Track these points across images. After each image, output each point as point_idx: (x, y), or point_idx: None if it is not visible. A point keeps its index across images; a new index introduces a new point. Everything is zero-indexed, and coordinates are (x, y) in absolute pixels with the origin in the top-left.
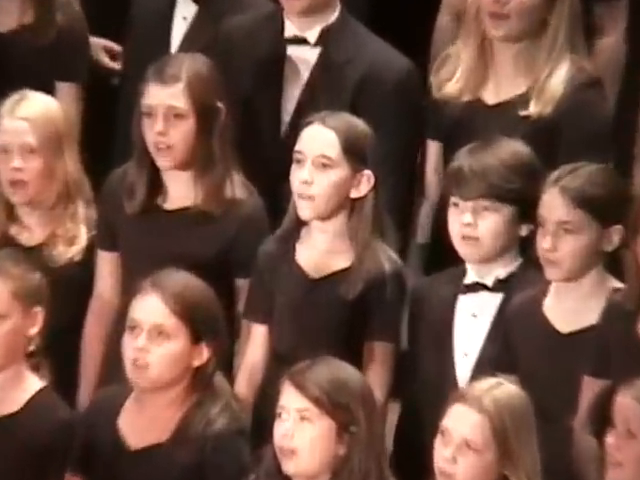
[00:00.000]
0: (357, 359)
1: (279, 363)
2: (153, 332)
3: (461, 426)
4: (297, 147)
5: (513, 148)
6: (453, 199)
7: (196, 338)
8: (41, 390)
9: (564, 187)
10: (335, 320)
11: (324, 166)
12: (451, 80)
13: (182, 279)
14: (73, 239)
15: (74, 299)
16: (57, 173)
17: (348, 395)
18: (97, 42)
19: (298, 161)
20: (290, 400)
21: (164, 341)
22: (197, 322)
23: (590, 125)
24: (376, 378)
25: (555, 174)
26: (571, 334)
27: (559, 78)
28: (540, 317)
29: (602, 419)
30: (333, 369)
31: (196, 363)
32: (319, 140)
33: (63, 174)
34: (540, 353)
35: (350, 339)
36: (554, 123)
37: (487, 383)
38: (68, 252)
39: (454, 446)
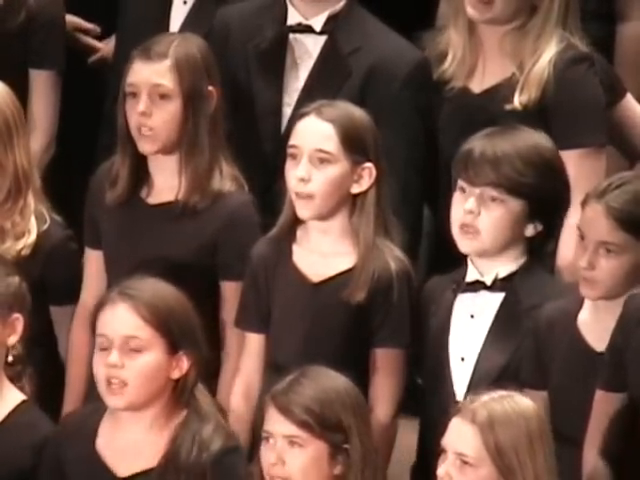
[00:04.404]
0: (363, 368)
1: (279, 374)
2: (125, 346)
3: (454, 439)
4: (291, 141)
5: (534, 140)
6: (460, 183)
7: (173, 348)
8: (22, 404)
9: (609, 206)
10: (339, 327)
11: (322, 161)
12: (443, 63)
13: (152, 285)
14: (21, 233)
15: None
16: (7, 168)
17: (338, 410)
18: (69, 21)
19: (293, 156)
20: (276, 426)
21: (138, 355)
22: (173, 330)
23: (580, 102)
24: (384, 389)
25: (600, 187)
26: (603, 353)
27: (545, 60)
28: (574, 332)
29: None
30: (319, 383)
31: (175, 375)
32: (315, 133)
33: (14, 168)
34: (571, 370)
35: (355, 347)
36: (544, 107)
37: (489, 395)
38: (16, 245)
39: (448, 461)
